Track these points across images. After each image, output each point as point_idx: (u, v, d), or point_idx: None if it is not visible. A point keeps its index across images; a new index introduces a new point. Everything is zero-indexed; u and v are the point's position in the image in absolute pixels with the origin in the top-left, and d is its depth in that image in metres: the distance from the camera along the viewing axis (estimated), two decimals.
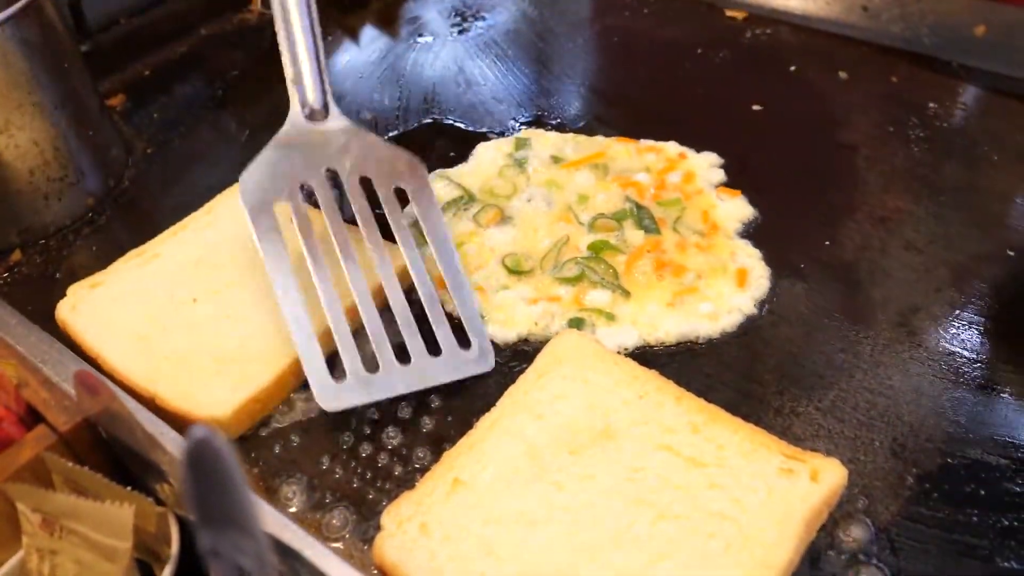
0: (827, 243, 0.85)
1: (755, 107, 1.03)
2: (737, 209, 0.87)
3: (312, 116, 0.79)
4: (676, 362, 0.75)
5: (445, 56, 1.16)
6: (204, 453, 0.29)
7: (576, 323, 0.76)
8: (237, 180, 0.88)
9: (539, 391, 0.68)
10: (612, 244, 0.83)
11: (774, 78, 1.08)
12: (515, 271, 0.81)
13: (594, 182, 0.90)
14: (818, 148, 0.96)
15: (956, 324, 0.77)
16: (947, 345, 0.75)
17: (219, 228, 0.85)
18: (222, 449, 0.30)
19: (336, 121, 0.80)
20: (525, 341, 0.77)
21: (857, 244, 0.85)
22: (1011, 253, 0.83)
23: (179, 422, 0.69)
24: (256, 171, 0.75)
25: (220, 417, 0.68)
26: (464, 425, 0.69)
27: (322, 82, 0.80)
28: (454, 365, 0.72)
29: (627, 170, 0.92)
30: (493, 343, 0.76)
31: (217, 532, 0.30)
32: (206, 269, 0.81)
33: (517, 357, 0.76)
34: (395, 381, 0.70)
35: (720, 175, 0.92)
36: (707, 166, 0.93)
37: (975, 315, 0.77)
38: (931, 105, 1.01)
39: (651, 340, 0.76)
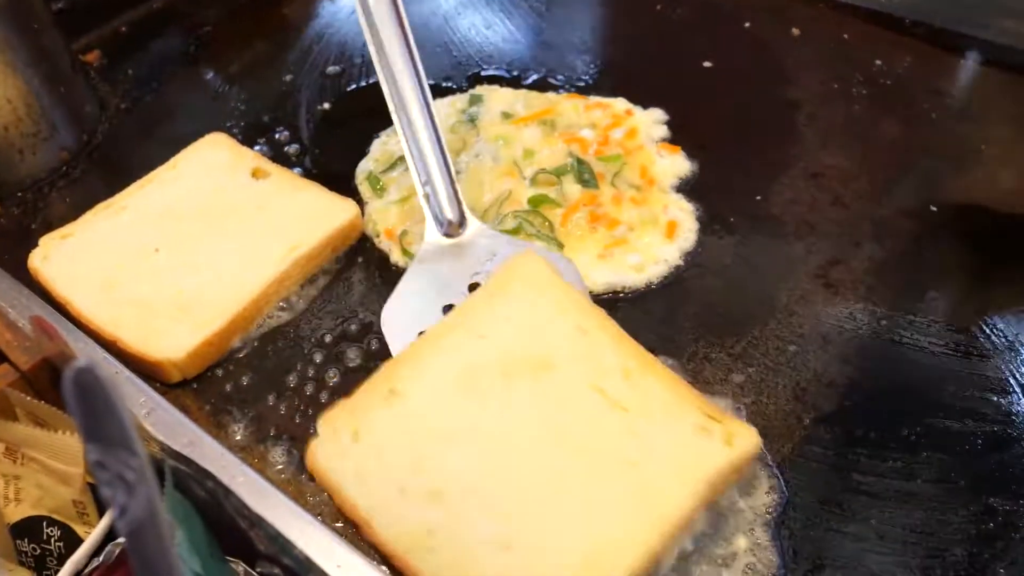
0: (758, 198, 0.89)
1: (706, 64, 1.05)
2: (675, 164, 0.91)
3: (449, 231, 0.82)
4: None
5: (410, 11, 1.19)
6: (86, 380, 0.34)
7: None
8: (208, 133, 0.95)
9: (487, 310, 0.72)
10: (551, 198, 0.87)
11: (728, 35, 1.10)
12: None
13: (541, 138, 0.94)
14: (762, 105, 0.99)
15: (870, 277, 0.81)
16: (859, 297, 0.79)
17: (182, 182, 0.89)
18: (103, 377, 0.35)
19: (472, 229, 0.82)
20: None
21: (787, 199, 0.89)
22: (934, 208, 0.87)
23: (139, 364, 0.74)
24: (397, 304, 0.78)
25: (175, 359, 0.74)
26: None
27: (456, 193, 0.82)
28: None
29: (573, 126, 0.95)
30: None
31: (102, 448, 0.35)
32: (169, 220, 0.85)
33: None
34: None
35: (663, 131, 0.95)
36: (651, 122, 0.96)
37: (889, 268, 0.82)
38: (877, 62, 1.04)
39: None
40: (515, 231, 0.84)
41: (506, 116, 0.97)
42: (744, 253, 0.84)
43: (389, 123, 0.96)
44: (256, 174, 0.90)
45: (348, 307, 0.81)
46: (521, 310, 0.72)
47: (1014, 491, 0.65)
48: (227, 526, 0.61)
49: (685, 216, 0.86)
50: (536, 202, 0.87)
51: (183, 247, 0.83)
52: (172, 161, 0.92)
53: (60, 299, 0.79)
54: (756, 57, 1.07)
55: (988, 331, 0.76)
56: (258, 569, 0.61)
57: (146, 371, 0.74)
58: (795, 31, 1.10)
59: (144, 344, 0.75)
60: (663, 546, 0.60)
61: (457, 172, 0.91)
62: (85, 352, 0.70)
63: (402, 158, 0.93)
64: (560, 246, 0.83)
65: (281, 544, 0.57)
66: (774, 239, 0.85)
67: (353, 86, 1.06)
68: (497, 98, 1.00)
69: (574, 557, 0.59)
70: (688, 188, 0.90)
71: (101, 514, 0.64)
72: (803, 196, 0.89)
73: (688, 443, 0.64)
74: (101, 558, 0.60)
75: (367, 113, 1.01)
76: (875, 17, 1.10)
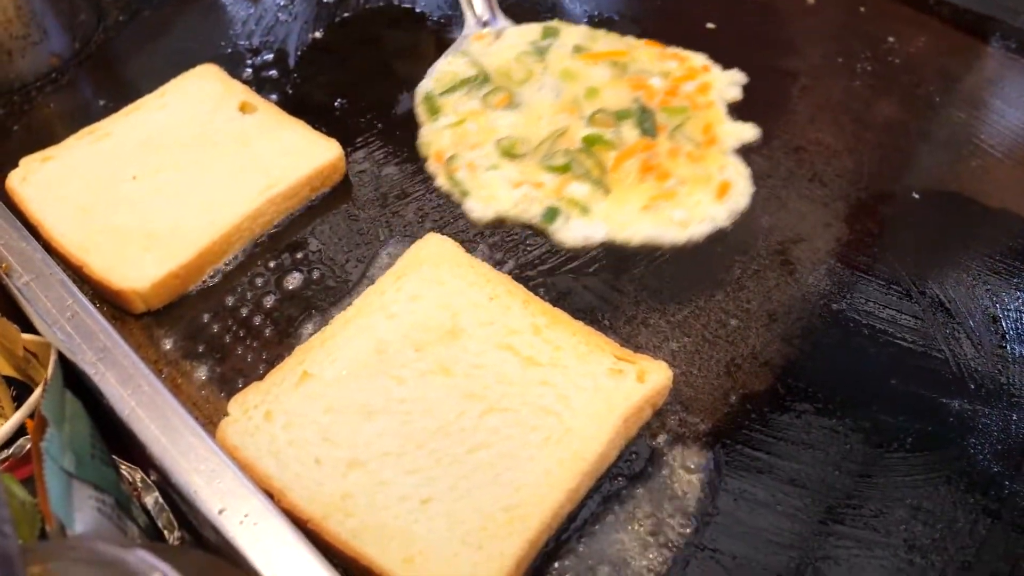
0: None
1: (708, 25, 1.01)
2: (743, 130, 0.88)
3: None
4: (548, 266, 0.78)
5: None
6: None
7: (551, 212, 0.81)
8: (201, 51, 0.97)
9: (395, 291, 0.72)
10: (607, 139, 0.86)
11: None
12: (508, 154, 0.85)
13: (609, 79, 0.93)
14: (756, 72, 0.94)
15: (833, 259, 0.78)
16: (817, 278, 0.76)
17: (169, 111, 0.88)
18: None
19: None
20: (501, 221, 0.82)
21: (762, 170, 0.85)
22: (916, 196, 0.83)
23: (104, 292, 0.75)
24: None
25: (139, 289, 0.73)
26: (341, 294, 0.76)
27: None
28: None
29: (645, 72, 0.93)
30: (469, 219, 0.82)
31: None
32: (150, 149, 0.84)
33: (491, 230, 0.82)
34: None
35: (737, 93, 0.92)
36: (728, 83, 0.93)
37: (854, 252, 0.78)
38: (890, 39, 0.98)
39: (618, 239, 0.80)
40: (564, 168, 0.84)
41: (578, 50, 0.95)
42: None
43: (378, 54, 0.96)
44: (244, 108, 0.89)
45: (301, 236, 0.81)
46: (429, 288, 0.72)
47: (932, 493, 0.63)
48: (129, 434, 0.62)
49: (741, 179, 0.84)
50: (591, 141, 0.86)
51: (161, 177, 0.82)
52: (161, 89, 0.91)
53: (33, 221, 0.79)
54: (763, 24, 1.02)
55: (948, 331, 0.73)
56: (152, 477, 0.62)
57: (111, 299, 0.75)
58: (809, 0, 1.04)
59: (110, 272, 0.74)
60: (582, 484, 0.62)
61: (517, 104, 0.91)
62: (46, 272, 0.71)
63: (464, 81, 0.92)
64: (607, 190, 0.82)
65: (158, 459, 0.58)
66: (738, 210, 0.82)
67: (347, 14, 1.05)
68: (573, 33, 0.98)
69: (494, 503, 0.60)
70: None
71: (17, 408, 0.66)
72: (779, 169, 0.85)
73: (602, 385, 0.66)
74: (11, 450, 0.62)
75: (355, 44, 1.01)
76: None
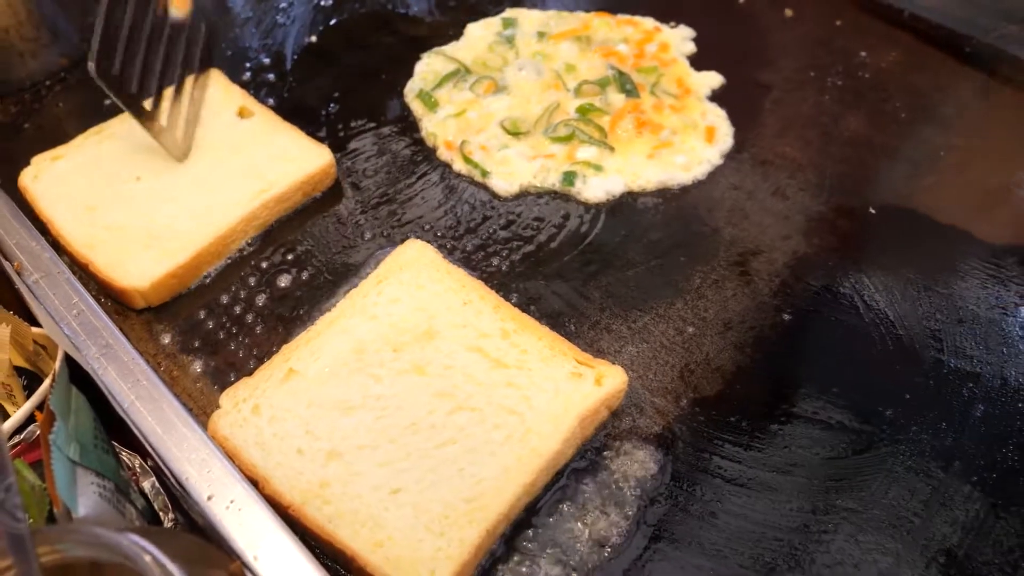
0: (701, 179, 0.91)
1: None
2: (709, 77, 1.00)
3: None
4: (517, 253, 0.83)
5: None
6: None
7: (569, 176, 0.90)
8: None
9: (377, 295, 0.77)
10: (597, 106, 0.95)
11: (718, 8, 1.09)
12: (513, 132, 0.94)
13: (578, 53, 1.01)
14: (732, 84, 0.99)
15: (788, 272, 0.83)
16: (772, 289, 0.81)
17: None
18: None
19: None
20: (526, 192, 0.90)
21: (728, 183, 0.90)
22: (873, 211, 0.88)
23: (107, 288, 0.80)
24: None
25: (140, 287, 0.78)
26: (328, 295, 0.81)
27: None
28: None
29: (608, 41, 1.03)
30: (496, 194, 0.90)
31: None
32: (153, 151, 0.89)
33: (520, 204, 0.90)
34: None
35: (692, 47, 1.04)
36: (680, 39, 1.05)
37: (809, 265, 0.83)
38: (862, 54, 1.02)
39: (635, 187, 0.89)
40: (568, 137, 0.92)
41: (541, 35, 1.03)
42: (670, 231, 0.86)
43: (369, 59, 1.01)
44: (241, 113, 0.94)
45: (293, 238, 0.87)
46: (408, 292, 0.77)
47: (866, 496, 0.68)
48: (128, 424, 0.68)
49: (721, 122, 0.95)
50: (584, 110, 0.95)
51: (163, 179, 0.87)
52: (165, 93, 0.95)
53: (43, 218, 0.84)
54: (741, 36, 1.06)
55: (889, 344, 0.77)
56: (149, 463, 0.68)
57: (114, 295, 0.80)
58: (788, 12, 1.08)
59: (113, 270, 0.79)
60: (539, 479, 0.68)
61: (503, 87, 0.99)
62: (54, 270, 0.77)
63: (449, 75, 0.99)
64: (611, 149, 0.91)
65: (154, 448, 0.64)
66: (703, 222, 0.87)
67: (344, 17, 1.09)
68: (529, 19, 1.06)
69: (457, 494, 0.65)
70: None
71: (28, 397, 0.72)
72: (745, 182, 0.90)
73: (562, 388, 0.71)
74: (22, 436, 0.68)
75: (349, 48, 1.05)
76: (873, 6, 1.07)
